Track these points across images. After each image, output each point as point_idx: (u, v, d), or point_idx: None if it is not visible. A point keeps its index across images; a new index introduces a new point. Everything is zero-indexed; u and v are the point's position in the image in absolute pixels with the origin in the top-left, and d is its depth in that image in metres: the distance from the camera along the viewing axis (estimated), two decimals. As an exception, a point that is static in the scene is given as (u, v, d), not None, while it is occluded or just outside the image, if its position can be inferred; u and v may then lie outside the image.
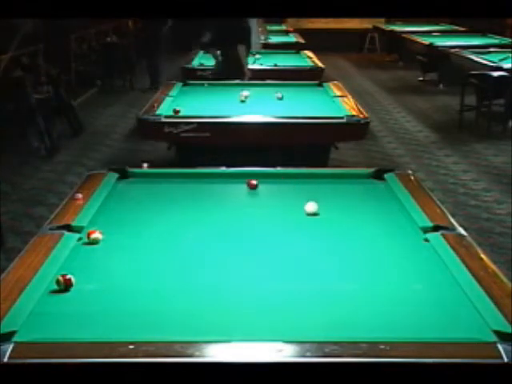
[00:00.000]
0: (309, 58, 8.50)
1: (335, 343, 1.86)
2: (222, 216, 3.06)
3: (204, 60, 8.27)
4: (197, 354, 1.81)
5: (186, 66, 7.89)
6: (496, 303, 2.12)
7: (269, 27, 13.13)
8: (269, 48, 9.69)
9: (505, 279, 2.34)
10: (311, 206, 2.91)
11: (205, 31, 7.54)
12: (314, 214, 2.93)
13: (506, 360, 1.81)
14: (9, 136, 7.33)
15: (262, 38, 9.83)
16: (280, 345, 1.85)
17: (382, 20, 15.09)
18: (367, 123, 5.13)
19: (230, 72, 7.10)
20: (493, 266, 2.46)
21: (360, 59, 15.02)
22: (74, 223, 2.85)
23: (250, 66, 7.81)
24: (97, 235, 2.71)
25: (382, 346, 1.84)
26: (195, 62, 8.12)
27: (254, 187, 3.35)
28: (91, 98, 10.54)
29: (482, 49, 9.88)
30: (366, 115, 5.19)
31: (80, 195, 3.18)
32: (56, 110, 8.00)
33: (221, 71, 7.29)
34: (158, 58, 11.07)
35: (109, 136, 8.30)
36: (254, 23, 9.35)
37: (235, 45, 7.28)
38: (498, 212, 5.61)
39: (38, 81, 8.06)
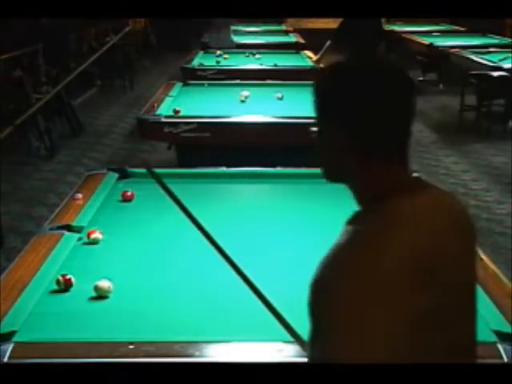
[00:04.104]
0: (309, 58, 8.49)
1: (335, 343, 1.86)
2: (222, 216, 3.06)
3: (204, 60, 8.27)
4: (197, 354, 1.81)
5: (186, 66, 7.88)
6: (496, 303, 2.13)
7: (269, 27, 13.13)
8: (269, 48, 9.69)
9: (505, 279, 2.34)
10: (102, 284, 2.33)
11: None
12: (105, 294, 2.31)
13: (505, 360, 1.81)
14: (9, 136, 7.33)
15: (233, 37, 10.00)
16: (280, 345, 1.85)
17: (382, 20, 15.07)
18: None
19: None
20: (493, 266, 2.46)
21: (360, 59, 14.99)
22: (74, 223, 2.85)
23: (249, 66, 7.82)
24: (97, 235, 2.71)
25: (382, 346, 1.84)
26: (195, 62, 8.11)
27: (128, 198, 3.26)
28: (91, 98, 10.54)
29: (481, 49, 9.87)
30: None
31: (80, 195, 3.18)
32: (56, 110, 8.00)
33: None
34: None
35: (109, 136, 8.30)
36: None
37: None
38: (498, 212, 5.61)
39: (38, 81, 8.07)
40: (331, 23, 15.27)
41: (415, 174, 1.38)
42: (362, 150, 1.29)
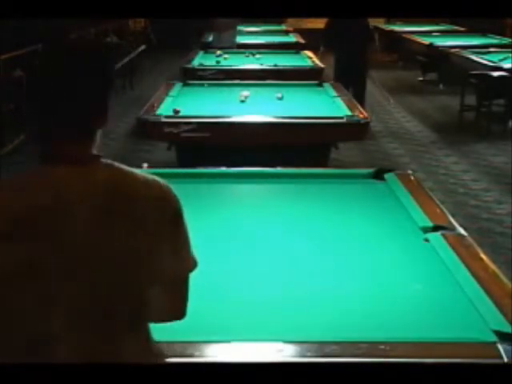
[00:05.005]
0: (309, 58, 8.49)
1: (335, 343, 1.86)
2: (222, 216, 3.06)
3: (204, 60, 8.27)
4: (197, 354, 1.81)
5: (186, 66, 7.88)
6: (496, 303, 2.12)
7: (269, 27, 13.13)
8: (269, 48, 9.69)
9: (505, 279, 2.34)
10: None
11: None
12: None
13: (505, 360, 1.81)
14: (9, 136, 7.33)
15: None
16: (280, 345, 1.85)
17: (382, 20, 15.06)
18: (367, 123, 5.12)
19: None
20: (493, 266, 2.46)
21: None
22: (74, 223, 2.84)
23: (249, 66, 7.82)
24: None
25: (382, 346, 1.84)
26: (195, 62, 8.11)
27: None
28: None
29: (481, 49, 9.87)
30: (366, 115, 5.19)
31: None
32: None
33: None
34: None
35: (109, 136, 8.30)
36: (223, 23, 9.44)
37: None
38: (498, 212, 5.61)
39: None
40: (331, 23, 15.11)
41: (96, 153, 1.55)
42: (41, 123, 1.46)
